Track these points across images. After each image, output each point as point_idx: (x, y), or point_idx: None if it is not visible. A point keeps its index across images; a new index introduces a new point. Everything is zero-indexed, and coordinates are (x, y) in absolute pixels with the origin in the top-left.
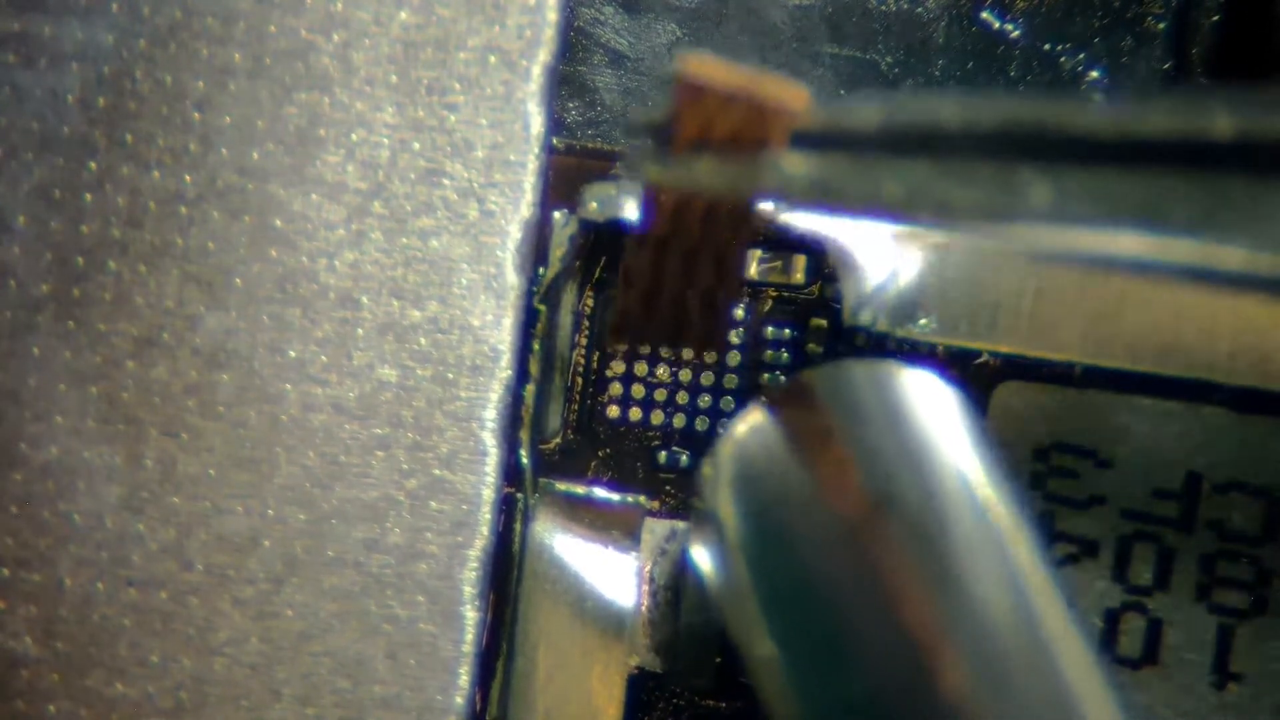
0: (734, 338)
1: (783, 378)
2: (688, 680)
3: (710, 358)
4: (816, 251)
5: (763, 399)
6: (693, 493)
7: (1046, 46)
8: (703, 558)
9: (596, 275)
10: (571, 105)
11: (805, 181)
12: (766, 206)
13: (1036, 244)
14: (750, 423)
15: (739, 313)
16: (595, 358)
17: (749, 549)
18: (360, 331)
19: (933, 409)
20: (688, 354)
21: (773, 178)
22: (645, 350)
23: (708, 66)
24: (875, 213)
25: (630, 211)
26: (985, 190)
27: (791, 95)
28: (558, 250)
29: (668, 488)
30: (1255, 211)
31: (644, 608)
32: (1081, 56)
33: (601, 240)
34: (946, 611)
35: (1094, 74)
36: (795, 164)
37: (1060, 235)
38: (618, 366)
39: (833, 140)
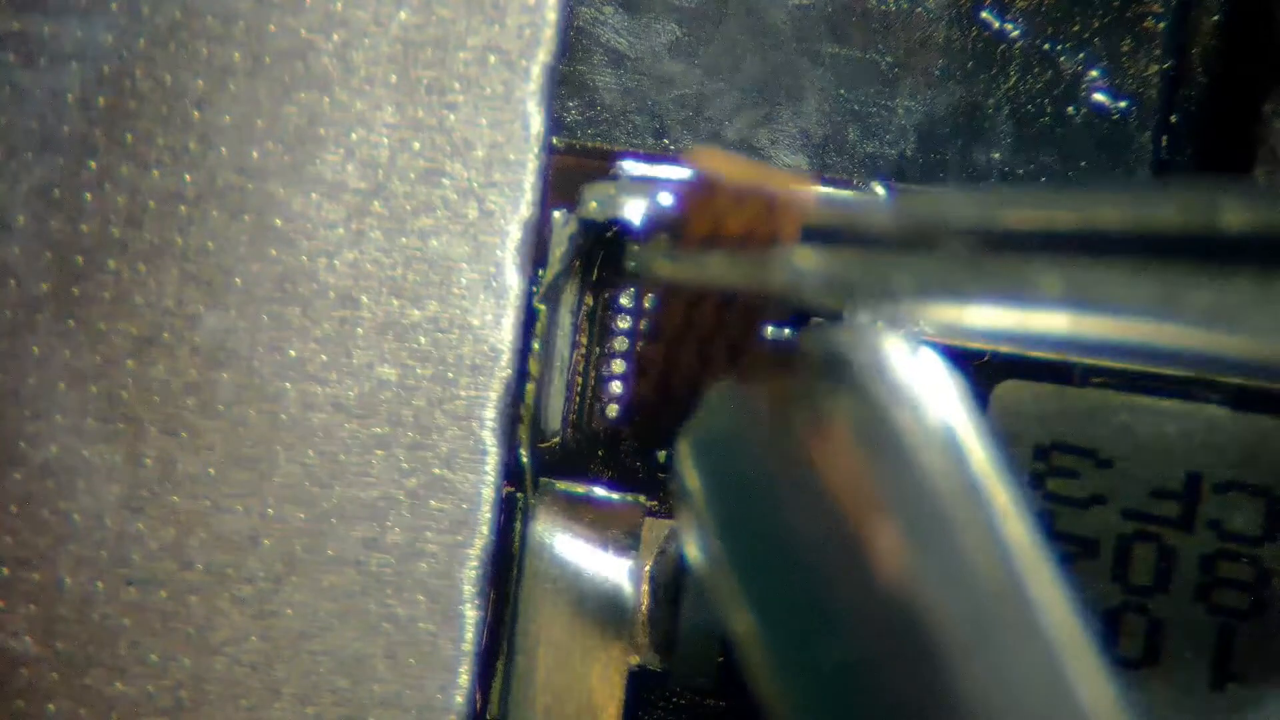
0: None
1: None
2: (688, 680)
3: None
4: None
5: (744, 363)
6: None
7: (1046, 46)
8: (688, 535)
9: (596, 275)
10: (571, 105)
11: (816, 276)
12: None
13: (1049, 334)
14: (724, 387)
15: None
16: (596, 357)
17: (725, 517)
18: (360, 330)
19: (919, 374)
20: None
21: (783, 273)
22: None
23: (719, 161)
24: (888, 305)
25: (630, 211)
26: (997, 282)
27: (801, 190)
28: (558, 250)
29: (667, 487)
30: (1265, 302)
31: (644, 607)
32: (1081, 56)
33: (602, 240)
34: (928, 567)
35: (1094, 73)
36: (806, 259)
37: (1073, 325)
38: (617, 366)
39: (843, 235)
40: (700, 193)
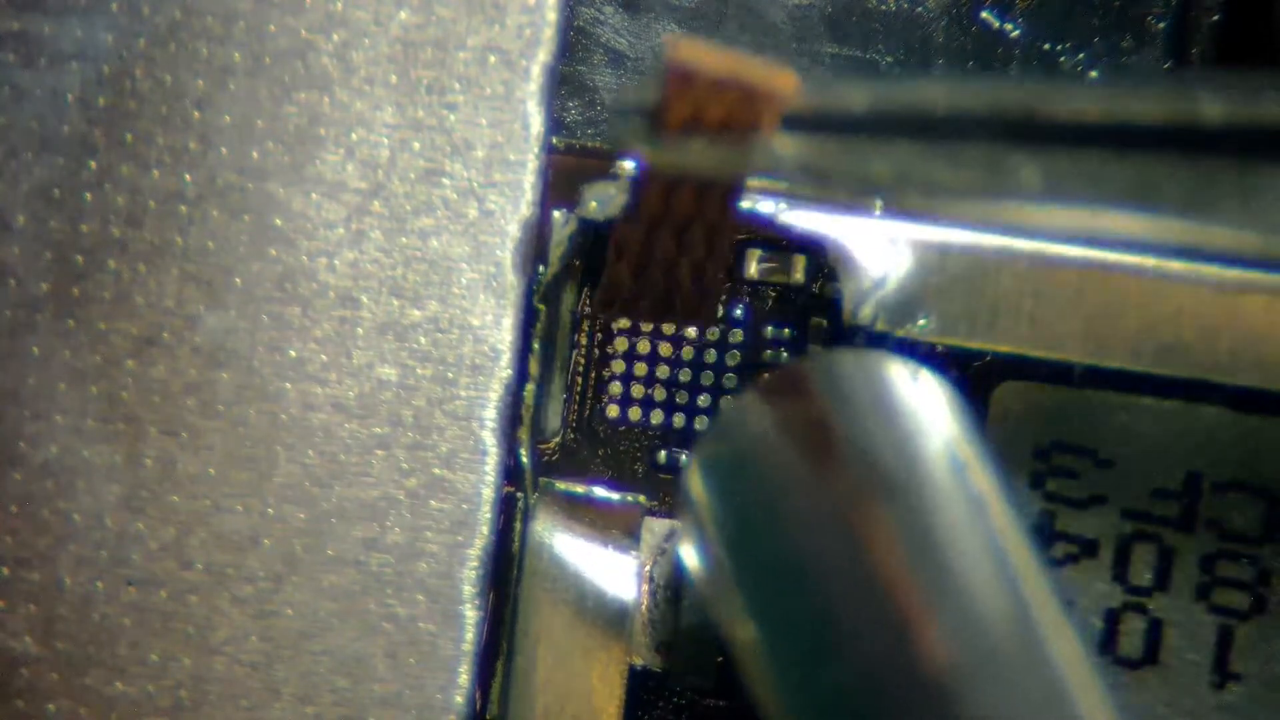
0: (734, 337)
1: None
2: (688, 680)
3: (711, 334)
4: (816, 251)
5: (752, 387)
6: (680, 485)
7: (1046, 46)
8: (689, 549)
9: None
10: (571, 105)
11: (795, 162)
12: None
13: (1025, 223)
14: (739, 409)
15: (735, 304)
16: (595, 357)
17: (734, 535)
18: (360, 330)
19: (923, 399)
20: (668, 327)
21: (763, 159)
22: (645, 328)
23: (697, 51)
24: (865, 192)
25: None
26: (974, 171)
27: (781, 79)
28: (558, 250)
29: (667, 487)
30: (1242, 192)
31: (644, 607)
32: (1081, 56)
33: (602, 240)
34: (934, 595)
35: (1094, 74)
36: (785, 146)
37: (1049, 215)
38: (617, 366)
39: (822, 122)
40: (679, 80)
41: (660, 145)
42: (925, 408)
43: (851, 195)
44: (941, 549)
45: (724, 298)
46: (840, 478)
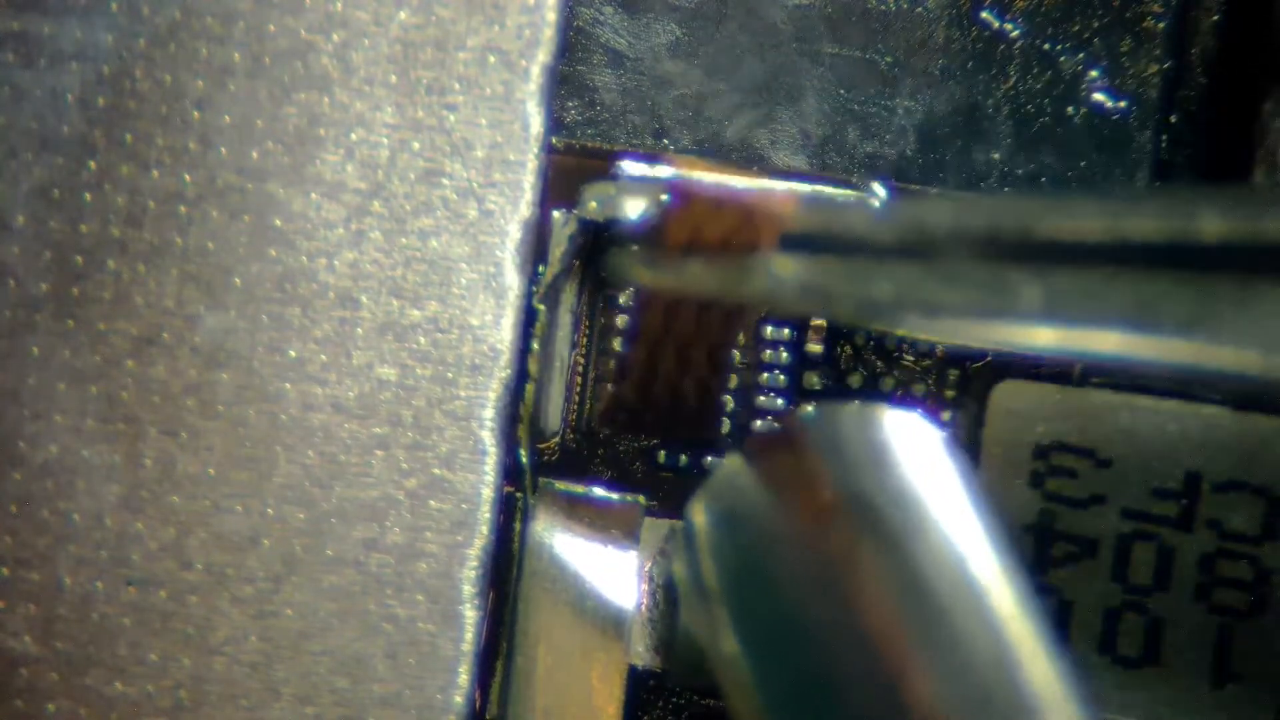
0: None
1: (782, 378)
2: (687, 680)
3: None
4: None
5: (747, 443)
6: (681, 520)
7: (1046, 46)
8: (687, 602)
9: (596, 275)
10: (571, 105)
11: (795, 284)
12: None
13: (1027, 341)
14: (734, 466)
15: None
16: (595, 358)
17: (729, 589)
18: (359, 331)
19: (918, 452)
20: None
21: (763, 281)
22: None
23: (697, 168)
24: (866, 313)
25: (630, 211)
26: (975, 291)
27: (779, 200)
28: (557, 250)
29: (667, 487)
30: (1243, 311)
31: (644, 607)
32: (1081, 56)
33: (601, 240)
34: (928, 658)
35: (1094, 73)
36: (784, 267)
37: (1051, 334)
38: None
39: (821, 243)
40: (678, 200)
41: (660, 266)
42: (920, 459)
43: (852, 316)
44: (933, 604)
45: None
46: (833, 533)
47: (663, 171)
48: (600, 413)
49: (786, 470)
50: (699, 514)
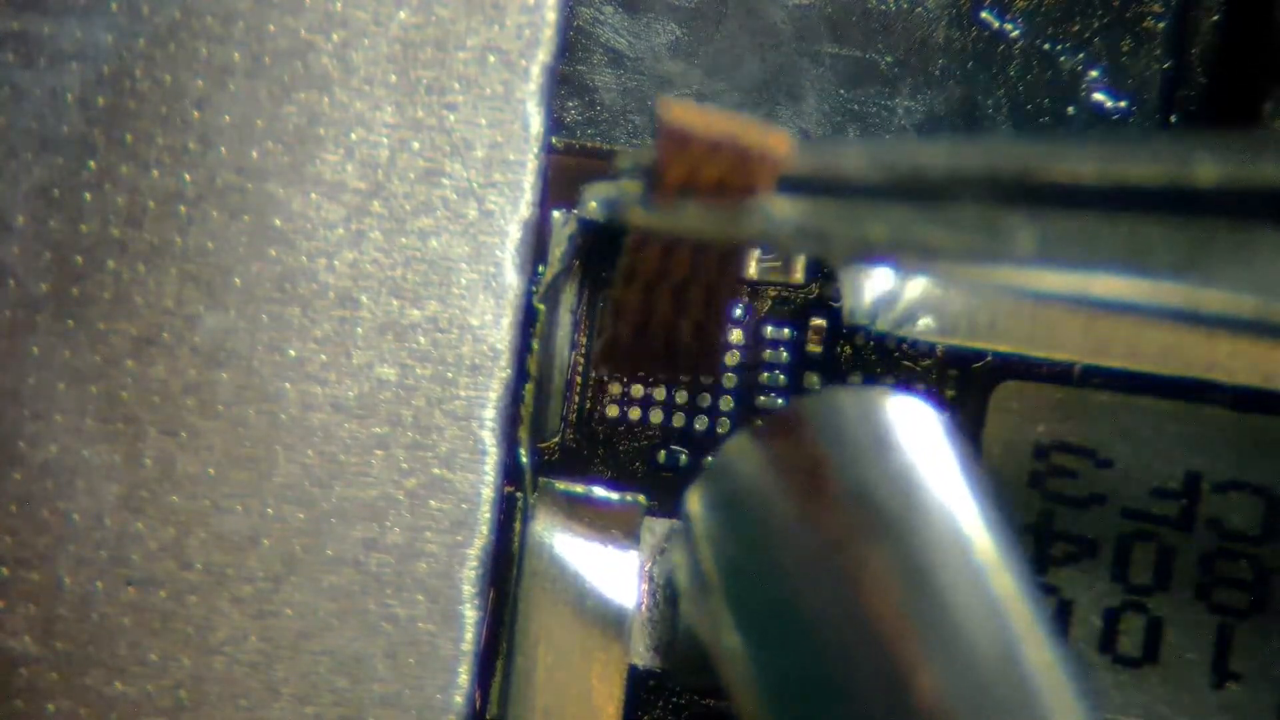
0: (734, 337)
1: (782, 378)
2: (687, 679)
3: (706, 379)
4: None
5: (748, 429)
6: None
7: (1046, 46)
8: (687, 595)
9: (596, 275)
10: (571, 105)
11: (791, 225)
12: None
13: (1021, 284)
14: (734, 452)
15: (734, 335)
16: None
17: (728, 577)
18: (359, 330)
19: (920, 437)
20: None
21: (759, 222)
22: (640, 375)
23: (691, 113)
24: (861, 254)
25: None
26: (970, 233)
27: (776, 140)
28: (557, 250)
29: (667, 487)
30: (1238, 255)
31: (644, 607)
32: (1081, 56)
33: (601, 240)
34: (929, 642)
35: (1094, 73)
36: (781, 208)
37: (1044, 277)
38: None
39: (818, 184)
40: (673, 143)
41: (656, 207)
42: (922, 444)
43: (848, 257)
44: (935, 589)
45: (726, 351)
46: (834, 519)
47: (660, 111)
48: (597, 354)
49: (787, 454)
50: (695, 502)
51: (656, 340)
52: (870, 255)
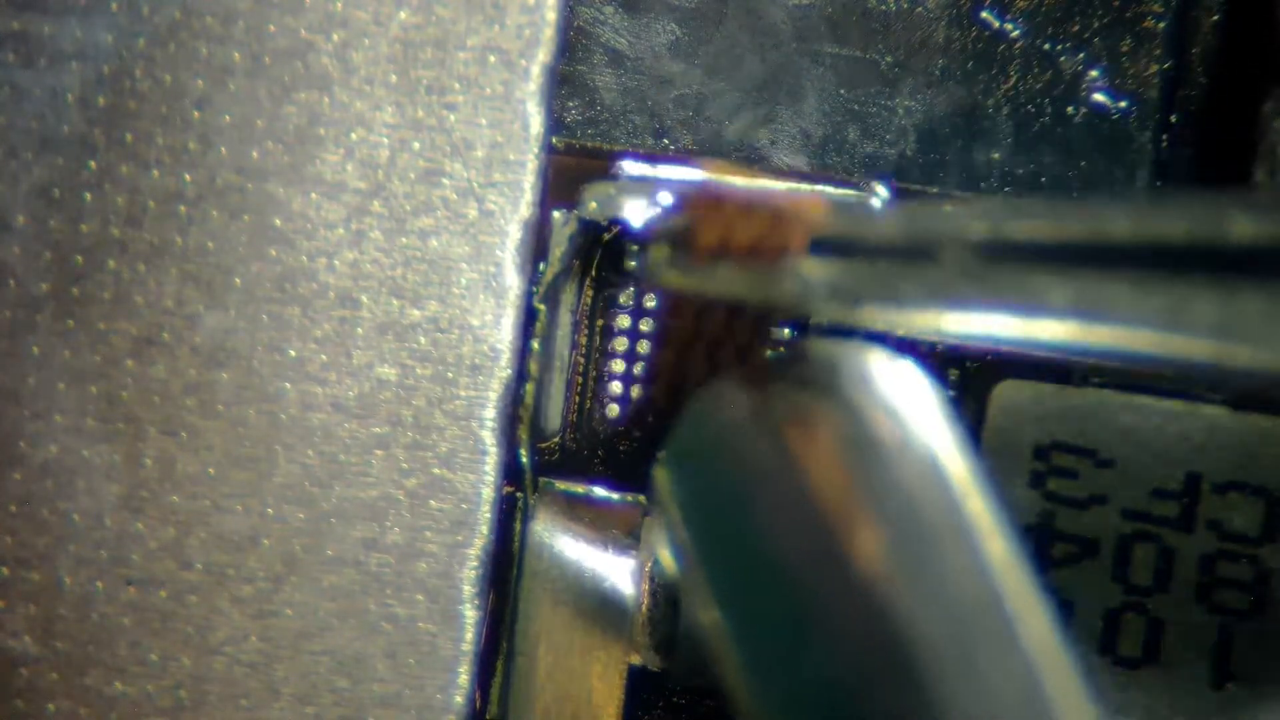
0: None
1: None
2: (687, 679)
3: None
4: None
5: (726, 375)
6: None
7: (1046, 46)
8: (663, 544)
9: (596, 275)
10: (571, 105)
11: (824, 287)
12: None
13: (1056, 343)
14: (707, 400)
15: None
16: (595, 357)
17: (704, 529)
18: (360, 330)
19: (900, 387)
20: None
21: (792, 284)
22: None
23: (726, 173)
24: (896, 316)
25: (630, 211)
26: (1005, 293)
27: (809, 203)
28: (557, 249)
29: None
30: (1273, 316)
31: (644, 607)
32: (1081, 56)
33: (601, 240)
34: (910, 585)
35: (1094, 73)
36: (813, 270)
37: (1081, 335)
38: (617, 366)
39: (850, 246)
40: (707, 203)
41: (689, 270)
42: (904, 397)
43: (882, 318)
44: (917, 533)
45: None
46: (813, 464)
47: (696, 175)
48: (630, 416)
49: (767, 404)
50: (662, 467)
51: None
52: (906, 316)
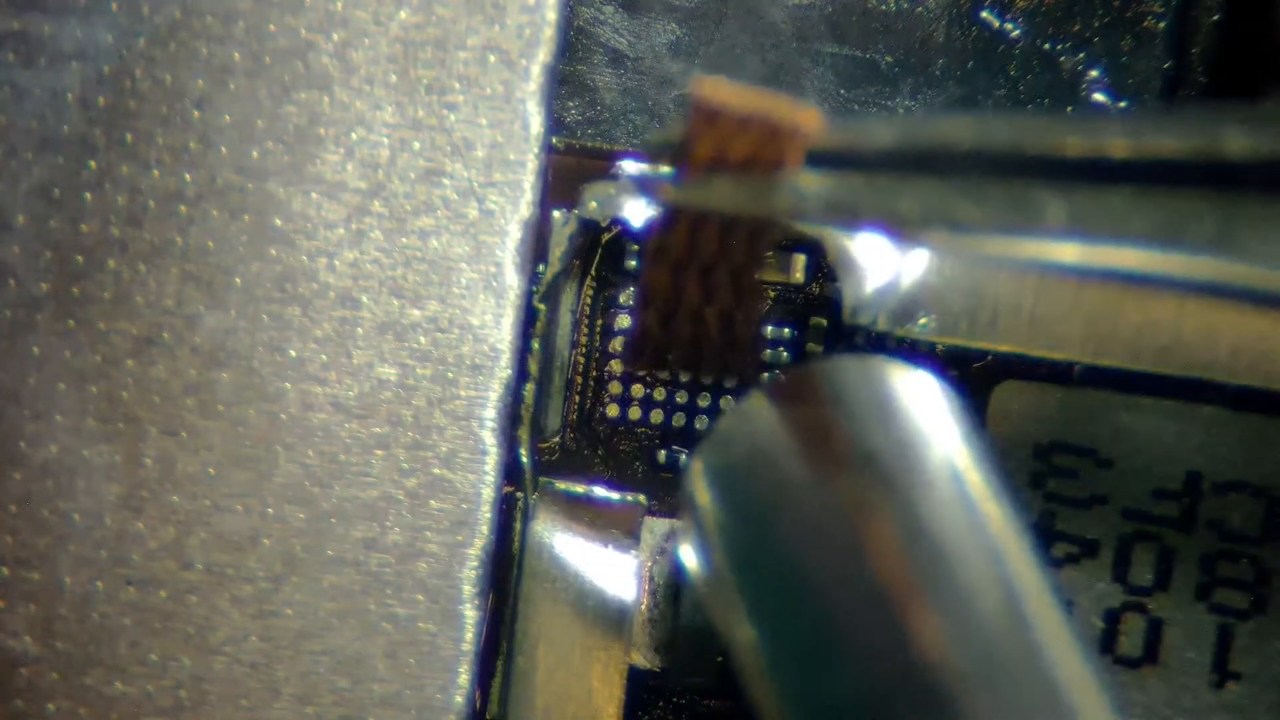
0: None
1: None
2: (687, 679)
3: (731, 381)
4: (816, 250)
5: (754, 392)
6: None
7: (1046, 46)
8: (689, 552)
9: (596, 275)
10: (571, 105)
11: (820, 200)
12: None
13: (1049, 258)
14: (740, 415)
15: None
16: (595, 357)
17: (733, 540)
18: (360, 330)
19: (924, 405)
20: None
21: (788, 197)
22: (664, 375)
23: (722, 89)
24: (889, 229)
25: (630, 211)
26: (999, 208)
27: (805, 116)
28: (557, 249)
29: (667, 487)
30: (1269, 229)
31: (644, 607)
32: (1081, 56)
33: (601, 240)
34: (936, 606)
35: (1094, 73)
36: (810, 183)
37: (1073, 251)
38: (617, 366)
39: (847, 160)
40: (704, 119)
41: (685, 183)
42: (926, 412)
43: (877, 231)
44: (941, 553)
45: (756, 350)
46: (842, 482)
47: (689, 90)
48: (627, 349)
49: (795, 420)
50: (697, 473)
51: (683, 332)
52: (899, 229)
